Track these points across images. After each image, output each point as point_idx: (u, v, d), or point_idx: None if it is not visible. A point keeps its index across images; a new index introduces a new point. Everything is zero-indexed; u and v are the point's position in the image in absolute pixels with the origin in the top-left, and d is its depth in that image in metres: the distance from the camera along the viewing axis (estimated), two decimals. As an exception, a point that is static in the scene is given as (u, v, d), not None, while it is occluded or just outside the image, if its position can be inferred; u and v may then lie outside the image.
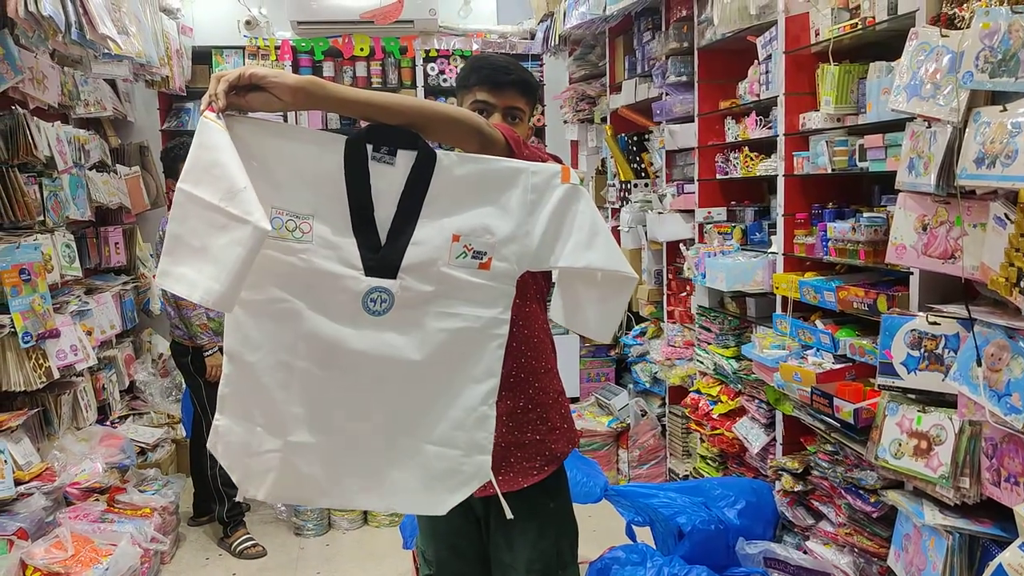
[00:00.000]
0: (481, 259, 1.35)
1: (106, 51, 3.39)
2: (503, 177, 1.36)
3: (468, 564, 1.82)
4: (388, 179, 1.32)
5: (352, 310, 1.32)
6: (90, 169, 4.07)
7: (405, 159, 1.32)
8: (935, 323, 2.11)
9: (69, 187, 3.73)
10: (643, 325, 4.24)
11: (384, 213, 1.32)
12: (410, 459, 1.39)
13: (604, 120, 4.42)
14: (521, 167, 1.37)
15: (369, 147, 1.31)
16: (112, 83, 4.47)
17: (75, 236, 3.78)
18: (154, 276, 4.60)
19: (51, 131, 3.58)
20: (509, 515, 1.44)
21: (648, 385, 4.06)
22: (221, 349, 3.41)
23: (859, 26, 2.42)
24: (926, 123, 2.04)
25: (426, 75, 5.16)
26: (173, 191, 3.49)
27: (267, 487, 1.38)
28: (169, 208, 5.08)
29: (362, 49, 5.01)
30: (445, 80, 5.18)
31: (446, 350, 1.37)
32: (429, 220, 1.33)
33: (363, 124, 1.36)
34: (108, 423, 3.97)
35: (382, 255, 1.31)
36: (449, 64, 5.18)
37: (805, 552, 2.64)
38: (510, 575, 1.76)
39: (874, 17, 2.37)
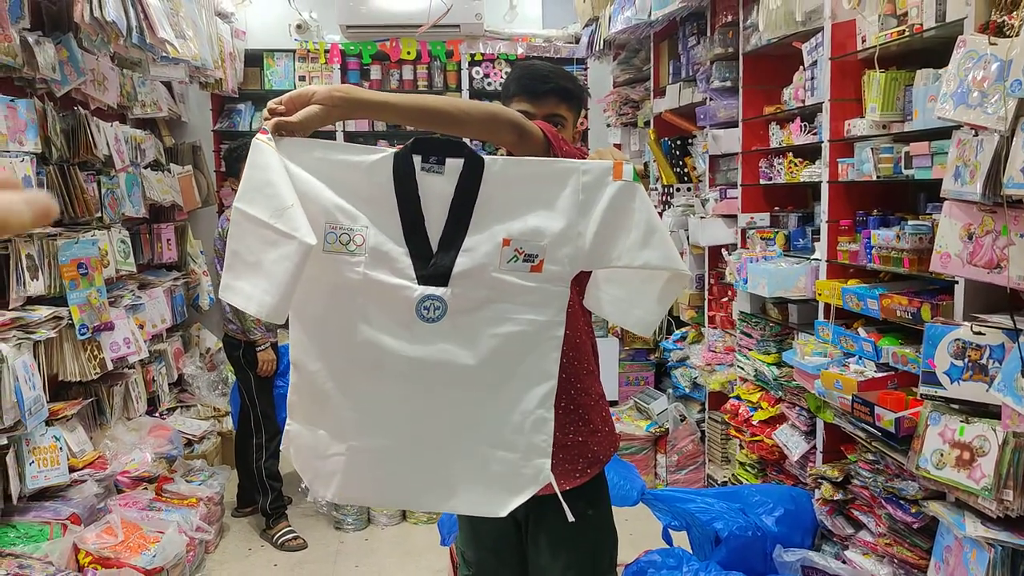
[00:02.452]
0: (532, 262, 1.35)
1: (164, 54, 3.51)
2: (553, 178, 1.35)
3: (508, 567, 1.83)
4: (438, 188, 1.34)
5: (407, 318, 1.34)
6: (145, 168, 4.20)
7: (453, 167, 1.33)
8: (980, 333, 2.08)
9: (125, 185, 3.85)
10: (684, 330, 4.23)
11: (435, 222, 1.34)
12: (470, 462, 1.41)
13: (647, 124, 4.43)
14: (571, 166, 1.36)
15: (417, 159, 1.33)
16: (168, 85, 4.61)
17: (129, 232, 3.90)
18: (204, 273, 4.73)
19: (110, 131, 3.71)
20: (570, 517, 1.45)
21: (687, 390, 4.05)
22: (273, 345, 3.55)
23: (906, 33, 2.40)
24: (973, 131, 2.01)
25: (471, 79, 5.22)
26: (234, 189, 3.59)
27: (334, 488, 1.43)
28: (220, 207, 5.21)
29: (409, 53, 5.09)
30: (490, 84, 5.22)
31: (501, 354, 1.38)
32: (479, 226, 1.34)
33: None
34: (157, 414, 4.09)
35: (434, 264, 1.34)
36: (494, 68, 5.23)
37: (844, 562, 2.61)
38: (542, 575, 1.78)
39: (922, 24, 2.35)
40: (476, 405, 1.40)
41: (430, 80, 5.23)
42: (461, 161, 1.34)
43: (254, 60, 5.18)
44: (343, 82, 5.26)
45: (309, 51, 5.09)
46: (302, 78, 5.16)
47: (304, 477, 1.45)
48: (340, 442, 1.40)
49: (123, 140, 3.86)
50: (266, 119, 1.30)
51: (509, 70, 5.23)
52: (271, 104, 1.32)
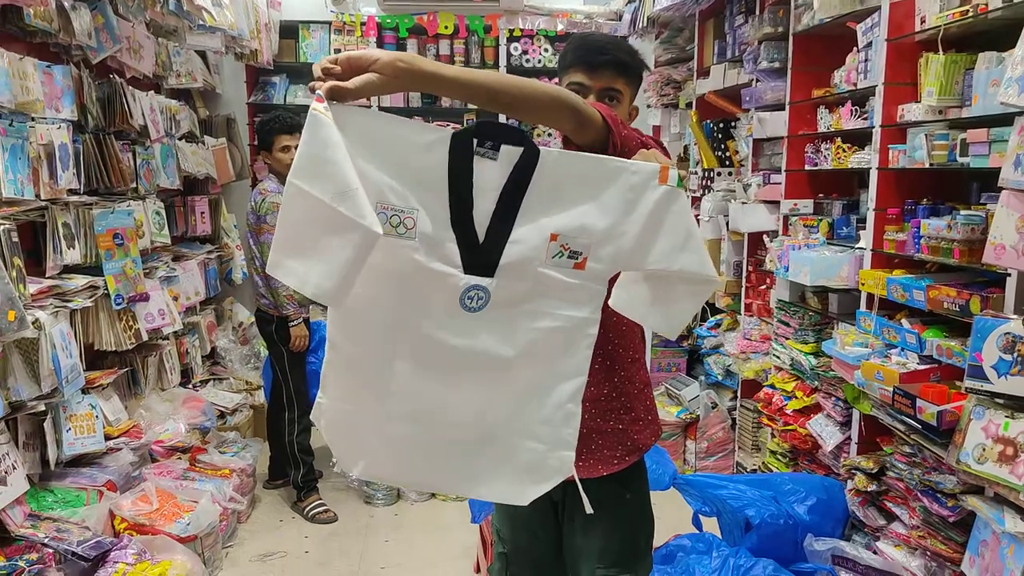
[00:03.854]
0: (576, 259, 1.34)
1: (201, 22, 3.49)
2: (604, 176, 1.33)
3: (542, 544, 1.83)
4: (488, 174, 1.30)
5: (450, 306, 1.33)
6: (179, 139, 4.20)
7: (508, 155, 1.30)
8: (1032, 328, 2.03)
9: (160, 156, 3.86)
10: (718, 317, 4.18)
11: (483, 209, 1.31)
12: (498, 451, 1.42)
13: (689, 106, 4.35)
14: (621, 166, 1.33)
15: (474, 141, 1.30)
16: (203, 55, 4.60)
17: (164, 204, 3.91)
18: (237, 247, 4.74)
19: (145, 100, 3.71)
20: (589, 509, 1.45)
21: (720, 378, 4.01)
22: (306, 320, 3.56)
23: (970, 14, 2.31)
24: (1036, 119, 1.95)
25: (509, 55, 5.15)
26: (267, 163, 3.57)
27: (362, 465, 1.43)
28: (253, 180, 5.19)
29: (446, 27, 5.03)
30: (528, 60, 5.15)
31: (538, 348, 1.37)
32: (528, 218, 1.32)
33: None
34: (190, 386, 4.13)
35: (480, 253, 1.31)
36: (533, 44, 5.16)
37: (875, 552, 2.58)
38: (582, 560, 1.77)
39: (986, 4, 2.26)
40: (509, 396, 1.39)
41: (467, 55, 5.18)
42: (518, 150, 1.30)
43: (289, 32, 5.15)
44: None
45: (345, 23, 5.05)
46: (337, 50, 5.12)
47: (334, 451, 1.45)
48: (372, 422, 1.40)
49: (158, 110, 3.87)
50: (319, 79, 1.24)
51: (548, 47, 5.16)
52: (324, 63, 1.25)
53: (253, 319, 4.97)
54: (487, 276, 1.32)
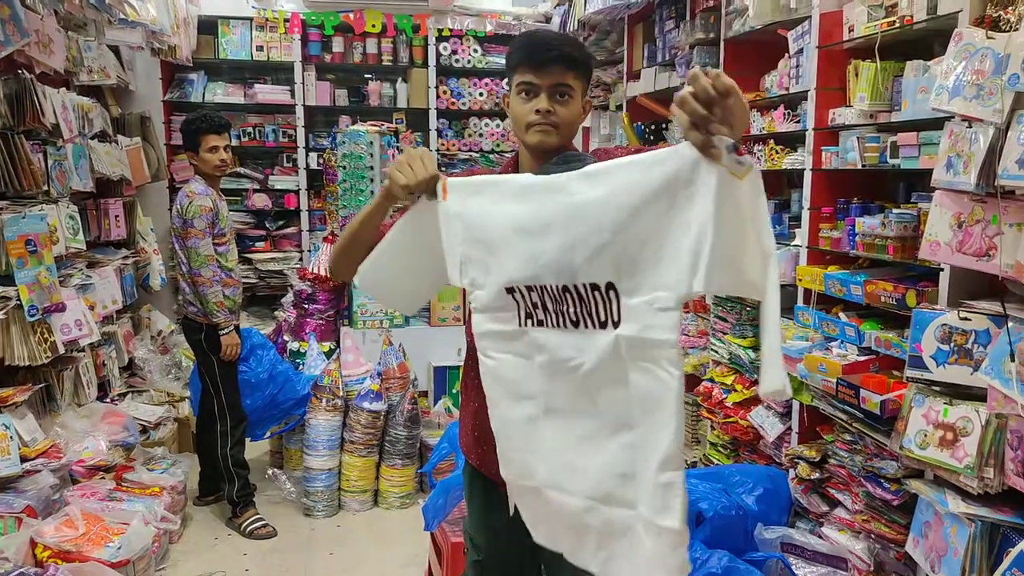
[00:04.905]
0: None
1: (121, 16, 3.31)
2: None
3: (518, 552, 1.81)
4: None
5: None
6: (92, 139, 3.98)
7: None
8: (966, 318, 2.15)
9: (73, 157, 3.64)
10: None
11: None
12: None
13: (620, 108, 4.42)
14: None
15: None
16: (115, 50, 4.36)
17: (77, 208, 3.69)
18: (154, 251, 4.52)
19: (56, 98, 3.49)
20: None
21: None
22: (237, 328, 3.41)
23: (896, 24, 2.45)
24: (966, 123, 2.07)
25: (438, 55, 5.11)
26: (193, 164, 3.37)
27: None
28: (170, 181, 4.98)
29: (373, 25, 4.95)
30: (457, 60, 5.12)
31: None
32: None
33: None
34: (108, 400, 3.91)
35: None
36: (462, 44, 5.13)
37: (820, 537, 2.69)
38: (561, 563, 1.77)
39: (912, 16, 2.39)
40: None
41: (395, 55, 5.10)
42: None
43: (208, 28, 4.96)
44: (303, 55, 5.09)
45: (268, 20, 4.90)
46: (259, 48, 4.96)
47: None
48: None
49: (70, 108, 3.65)
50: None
51: (477, 47, 5.15)
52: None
53: (172, 327, 4.77)
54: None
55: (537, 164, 1.65)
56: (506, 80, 1.80)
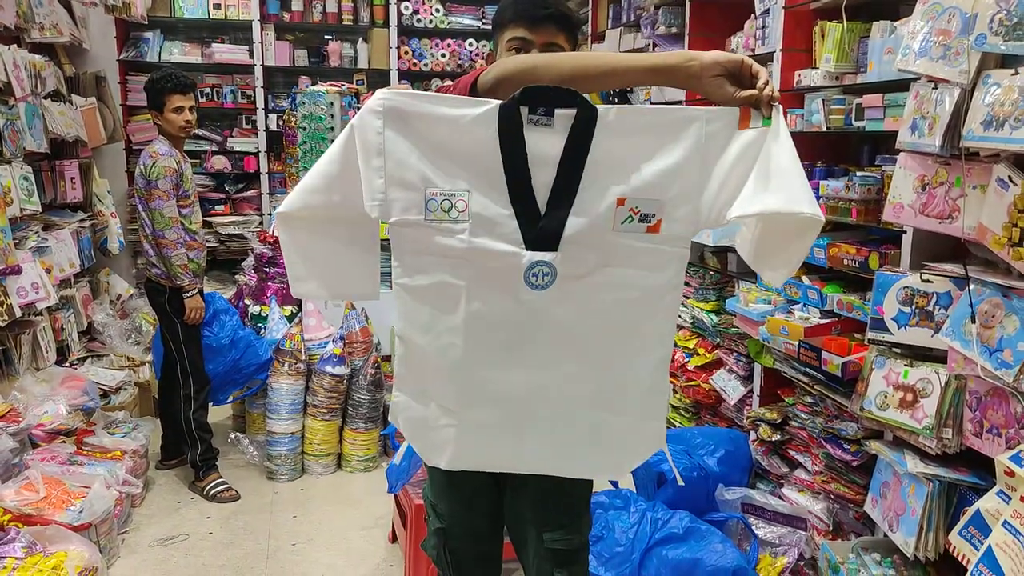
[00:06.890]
0: (649, 222, 1.26)
1: (72, -30, 3.18)
2: (672, 128, 1.23)
3: (481, 518, 1.80)
4: (545, 143, 1.23)
5: (515, 286, 1.28)
6: (45, 98, 3.84)
7: (563, 119, 1.22)
8: (928, 281, 2.17)
9: (25, 116, 3.52)
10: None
11: (543, 180, 1.24)
12: (584, 428, 1.39)
13: (584, 70, 4.36)
14: (694, 115, 1.24)
15: (524, 109, 1.22)
16: (67, 6, 4.20)
17: (31, 169, 3.58)
18: (112, 214, 4.41)
19: (7, 55, 3.36)
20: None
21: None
22: (201, 291, 3.35)
23: (864, -16, 2.43)
24: (932, 84, 2.06)
25: (400, 14, 5.00)
26: (157, 124, 3.26)
27: (447, 457, 1.41)
28: (127, 143, 4.85)
29: (333, -18, 4.83)
30: (419, 21, 5.02)
31: (615, 321, 1.32)
32: (591, 184, 1.25)
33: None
34: (67, 365, 3.83)
35: (542, 227, 1.25)
36: (424, 4, 5.02)
37: (780, 498, 2.74)
38: (526, 526, 1.76)
39: (880, -24, 2.38)
40: (588, 372, 1.36)
41: (355, 14, 4.98)
42: (572, 112, 1.23)
43: (163, -17, 4.79)
44: (262, 13, 4.95)
45: (225, -24, 4.75)
46: (216, 6, 4.81)
47: (415, 446, 1.43)
48: (450, 414, 1.37)
49: (22, 66, 3.51)
50: None
51: (439, 7, 5.04)
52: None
53: (132, 291, 4.68)
54: (550, 250, 1.26)
55: None
56: (491, 39, 1.79)
